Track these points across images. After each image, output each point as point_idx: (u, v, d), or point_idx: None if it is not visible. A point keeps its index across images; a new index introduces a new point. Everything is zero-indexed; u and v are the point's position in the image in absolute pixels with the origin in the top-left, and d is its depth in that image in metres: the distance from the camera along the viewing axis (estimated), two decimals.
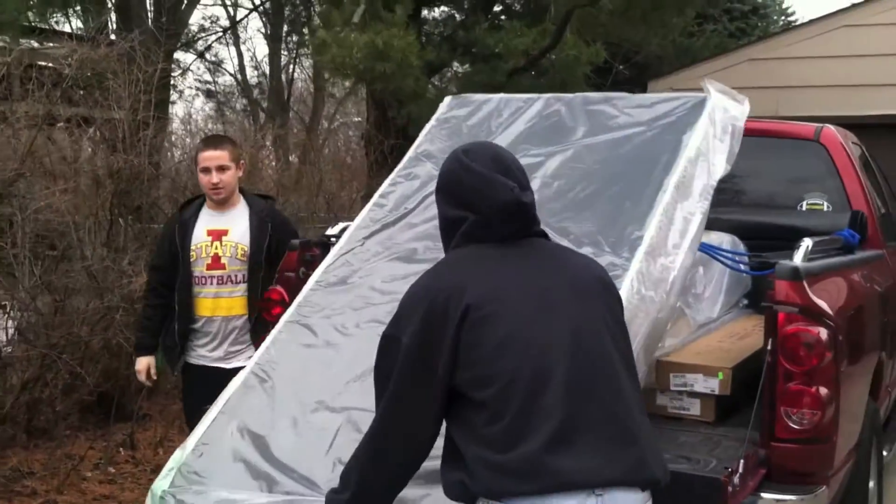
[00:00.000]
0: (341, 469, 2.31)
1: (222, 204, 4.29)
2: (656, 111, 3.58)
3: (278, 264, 4.12)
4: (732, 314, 4.27)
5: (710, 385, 3.29)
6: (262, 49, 24.61)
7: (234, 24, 21.61)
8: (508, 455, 1.99)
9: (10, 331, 6.06)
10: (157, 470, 5.72)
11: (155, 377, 4.54)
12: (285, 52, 24.53)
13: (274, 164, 9.15)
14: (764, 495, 2.97)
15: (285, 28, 21.48)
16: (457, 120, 3.89)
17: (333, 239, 3.86)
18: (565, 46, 8.12)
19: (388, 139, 8.98)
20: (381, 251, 3.40)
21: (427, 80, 8.27)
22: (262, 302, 3.99)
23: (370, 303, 3.19)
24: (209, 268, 4.23)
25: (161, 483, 2.83)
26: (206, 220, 4.29)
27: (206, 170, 4.19)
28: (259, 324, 4.07)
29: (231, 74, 24.61)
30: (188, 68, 18.19)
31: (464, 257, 2.26)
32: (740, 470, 2.82)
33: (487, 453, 2.02)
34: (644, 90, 10.69)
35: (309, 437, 2.77)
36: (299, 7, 17.25)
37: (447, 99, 4.08)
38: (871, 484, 4.03)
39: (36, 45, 13.22)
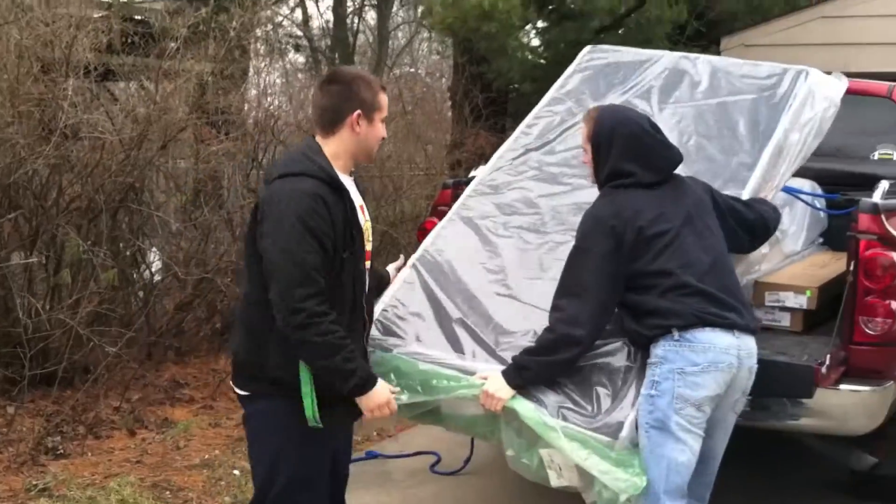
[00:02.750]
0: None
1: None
2: (763, 81, 4.15)
3: None
4: (812, 248, 4.93)
5: (799, 301, 3.98)
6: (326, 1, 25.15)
7: None
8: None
9: (158, 264, 6.86)
10: None
11: None
12: (351, 3, 25.22)
13: None
14: (843, 387, 3.68)
15: None
16: (594, 68, 4.47)
17: None
18: (649, 6, 8.64)
19: (477, 93, 9.60)
20: (527, 170, 4.06)
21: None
22: (420, 231, 4.71)
23: (517, 212, 3.89)
24: (368, 256, 3.13)
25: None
26: (351, 190, 3.03)
27: (383, 119, 3.09)
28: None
29: (298, 26, 25.32)
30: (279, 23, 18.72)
31: (632, 195, 3.17)
32: (827, 362, 3.52)
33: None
34: (717, 45, 11.18)
35: (482, 312, 3.44)
36: None
37: (587, 48, 4.66)
38: None
39: None
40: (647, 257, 3.08)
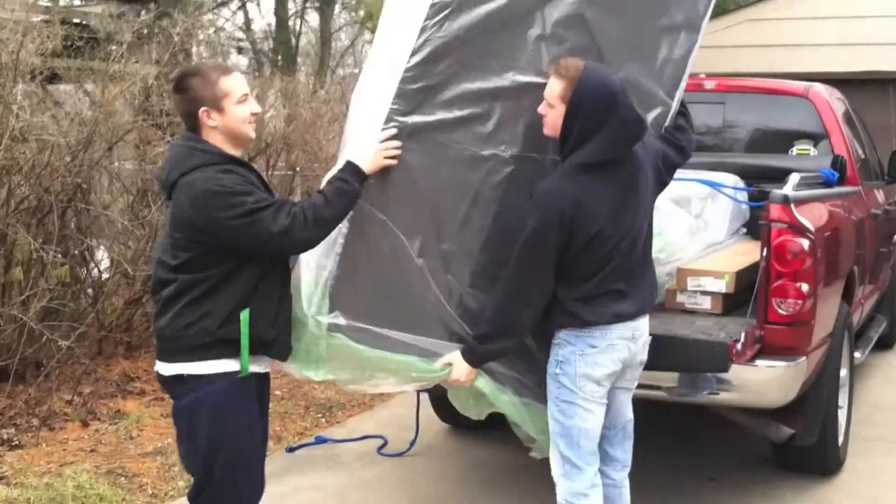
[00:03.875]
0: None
1: None
2: None
3: None
4: (735, 238, 5.25)
5: (718, 285, 4.27)
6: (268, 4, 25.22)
7: None
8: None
9: (107, 262, 6.99)
10: None
11: None
12: (293, 5, 25.31)
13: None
14: (758, 362, 3.99)
15: None
16: None
17: None
18: None
19: None
20: None
21: None
22: None
23: None
24: None
25: (313, 310, 3.22)
26: None
27: (241, 100, 3.16)
28: None
29: (240, 29, 25.35)
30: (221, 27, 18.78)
31: (597, 184, 3.23)
32: (742, 340, 3.82)
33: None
34: None
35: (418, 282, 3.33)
36: None
37: None
38: (844, 372, 5.06)
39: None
40: (582, 255, 3.19)
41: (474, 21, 3.33)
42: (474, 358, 3.30)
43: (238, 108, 3.07)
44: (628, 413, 3.50)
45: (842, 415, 4.97)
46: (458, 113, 3.33)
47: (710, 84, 5.95)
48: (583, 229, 3.16)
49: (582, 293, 3.23)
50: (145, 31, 6.68)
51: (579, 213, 3.14)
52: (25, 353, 5.56)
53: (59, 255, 6.02)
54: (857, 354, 5.63)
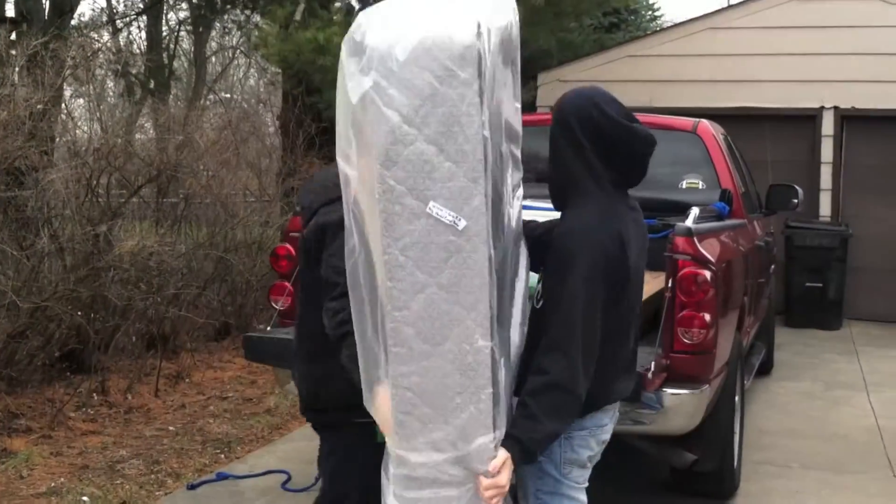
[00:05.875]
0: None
1: None
2: None
3: None
4: None
5: None
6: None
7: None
8: None
9: None
10: (129, 412, 6.58)
11: None
12: (166, 28, 24.80)
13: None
14: (666, 389, 4.11)
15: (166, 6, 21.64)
16: None
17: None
18: None
19: (308, 122, 9.81)
20: None
21: None
22: (273, 258, 4.88)
23: None
24: None
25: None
26: None
27: None
28: None
29: (113, 52, 24.68)
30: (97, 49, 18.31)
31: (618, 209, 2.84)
32: (652, 369, 3.94)
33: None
34: (535, 80, 11.83)
35: None
36: None
37: None
38: (737, 398, 5.25)
39: None
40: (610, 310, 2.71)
41: None
42: (523, 454, 2.63)
43: None
44: None
45: (735, 440, 5.16)
46: None
47: None
48: (620, 271, 2.72)
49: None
50: (39, 55, 6.47)
51: (621, 250, 2.71)
52: None
53: None
54: (746, 381, 5.86)
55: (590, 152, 2.76)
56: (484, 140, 2.46)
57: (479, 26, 2.42)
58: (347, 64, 2.59)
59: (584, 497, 2.92)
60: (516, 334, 2.77)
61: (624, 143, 2.77)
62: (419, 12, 2.53)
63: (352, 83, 2.55)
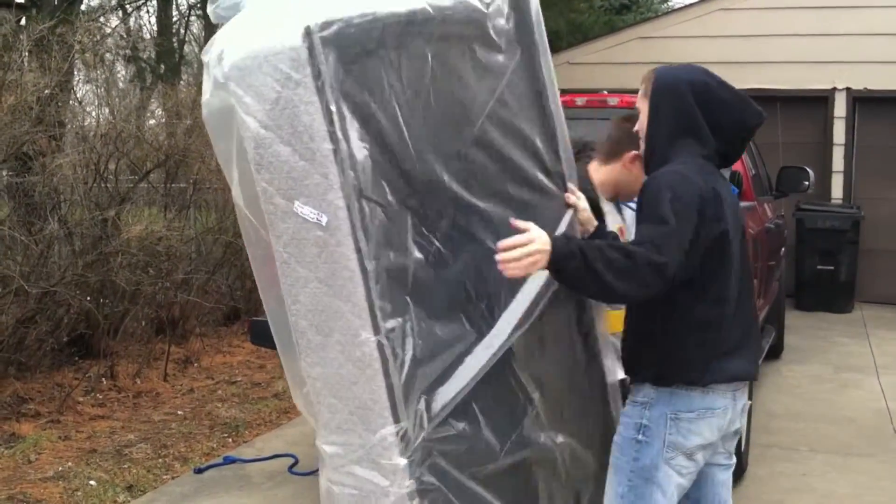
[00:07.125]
0: None
1: None
2: None
3: None
4: None
5: None
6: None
7: None
8: None
9: None
10: (138, 396, 6.60)
11: None
12: (176, 13, 24.79)
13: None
14: None
15: None
16: None
17: None
18: None
19: None
20: None
21: None
22: None
23: None
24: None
25: None
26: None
27: None
28: None
29: (122, 36, 24.67)
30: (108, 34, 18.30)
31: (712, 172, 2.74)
32: None
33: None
34: None
35: None
36: None
37: None
38: None
39: None
40: (707, 261, 2.56)
41: None
42: (563, 254, 2.42)
43: None
44: (728, 498, 2.87)
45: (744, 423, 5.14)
46: None
47: (613, 101, 6.08)
48: (715, 221, 2.55)
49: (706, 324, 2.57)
50: (46, 40, 6.46)
51: (716, 201, 2.56)
52: None
53: None
54: None
55: (700, 118, 2.67)
56: (329, 135, 2.49)
57: (308, 28, 2.47)
58: (206, 80, 2.78)
59: (679, 496, 2.66)
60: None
61: (739, 111, 2.72)
62: (268, 21, 2.64)
63: (215, 98, 2.75)
